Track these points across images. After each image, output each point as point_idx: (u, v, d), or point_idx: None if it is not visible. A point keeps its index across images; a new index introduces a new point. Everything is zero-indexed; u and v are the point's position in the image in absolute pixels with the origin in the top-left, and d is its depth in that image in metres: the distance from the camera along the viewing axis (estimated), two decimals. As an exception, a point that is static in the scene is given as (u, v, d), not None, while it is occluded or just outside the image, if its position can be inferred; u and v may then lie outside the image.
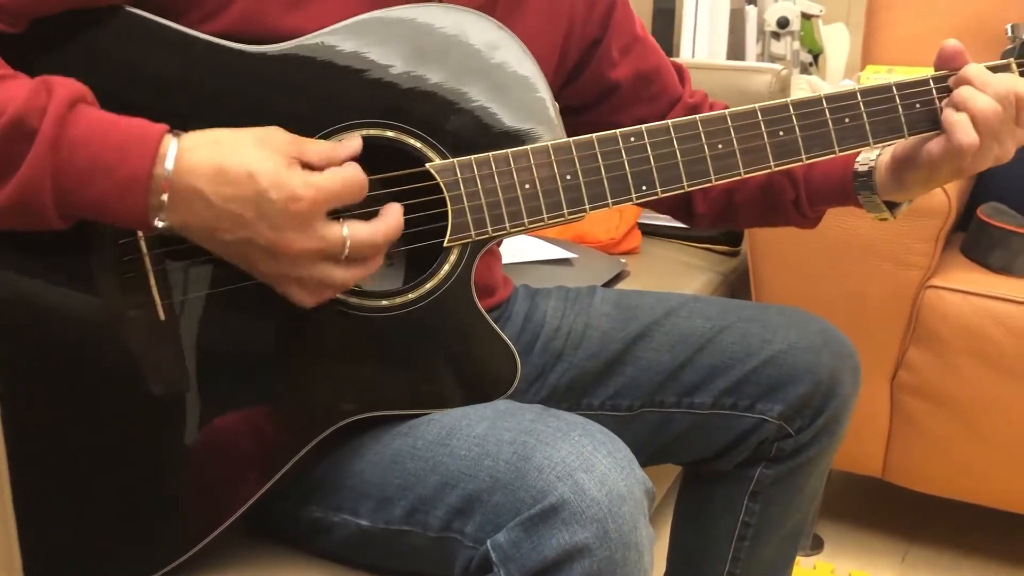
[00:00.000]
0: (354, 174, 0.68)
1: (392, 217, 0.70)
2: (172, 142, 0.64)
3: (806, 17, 2.74)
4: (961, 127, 0.82)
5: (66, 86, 0.64)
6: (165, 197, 0.64)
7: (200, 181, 0.64)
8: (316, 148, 0.69)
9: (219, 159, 0.64)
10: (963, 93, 0.83)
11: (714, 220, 1.02)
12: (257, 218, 0.64)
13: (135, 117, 0.65)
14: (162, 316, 0.70)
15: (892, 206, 0.92)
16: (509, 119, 0.78)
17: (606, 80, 0.96)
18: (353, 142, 0.70)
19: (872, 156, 0.90)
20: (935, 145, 0.84)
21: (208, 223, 0.65)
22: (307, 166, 0.67)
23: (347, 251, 0.67)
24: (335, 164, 0.68)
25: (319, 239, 0.66)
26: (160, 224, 0.65)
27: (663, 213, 1.08)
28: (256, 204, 0.64)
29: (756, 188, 0.96)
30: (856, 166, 0.91)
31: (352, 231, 0.67)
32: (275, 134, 0.68)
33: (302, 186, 0.65)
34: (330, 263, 0.68)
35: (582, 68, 0.96)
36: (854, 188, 0.91)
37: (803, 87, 2.08)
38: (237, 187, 0.64)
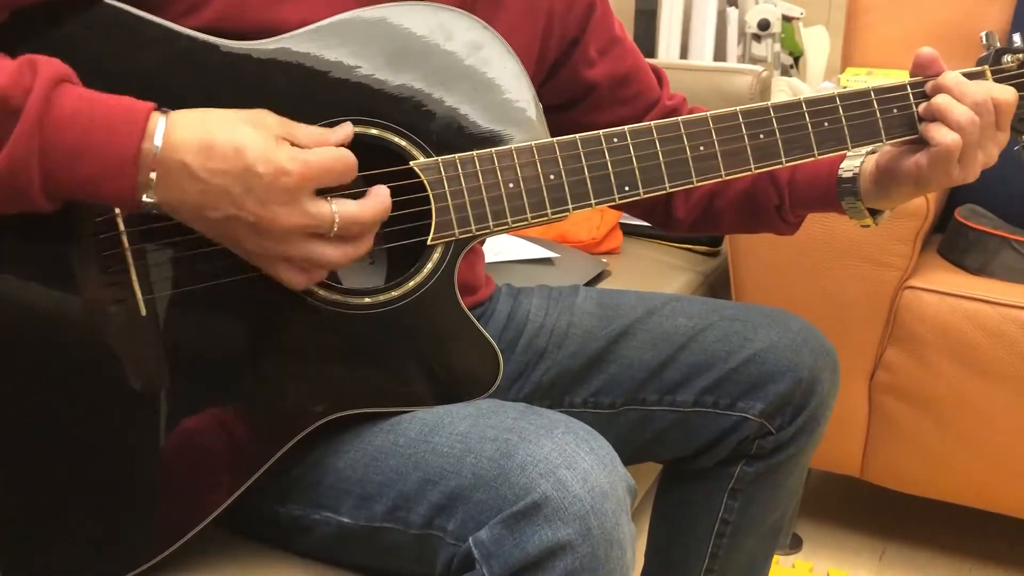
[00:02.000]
0: (343, 153, 0.68)
1: (380, 196, 0.70)
2: (160, 119, 0.64)
3: (787, 19, 2.76)
4: (939, 127, 0.83)
5: (51, 65, 0.63)
6: (154, 175, 0.63)
7: (188, 155, 0.63)
8: (306, 130, 0.69)
9: (207, 134, 0.64)
10: (940, 103, 0.84)
11: (692, 225, 1.02)
12: (244, 193, 0.64)
13: (121, 96, 0.65)
14: (143, 311, 0.70)
15: (874, 213, 0.93)
16: (492, 118, 0.78)
17: (583, 79, 0.97)
18: (344, 128, 0.70)
19: (856, 163, 0.91)
20: (923, 156, 0.85)
21: (196, 199, 0.65)
22: (296, 145, 0.67)
23: (336, 228, 0.67)
24: (323, 143, 0.68)
25: (306, 215, 0.65)
26: (148, 201, 0.64)
27: (641, 218, 1.07)
28: (243, 179, 0.64)
29: (739, 193, 0.97)
30: (840, 172, 0.91)
31: (341, 208, 0.67)
32: (265, 114, 0.67)
33: (289, 160, 0.64)
34: (319, 240, 0.67)
35: (560, 67, 0.96)
36: (838, 194, 0.92)
37: (784, 89, 2.09)
38: (225, 161, 0.64)
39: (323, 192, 0.68)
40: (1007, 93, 0.85)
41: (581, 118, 0.97)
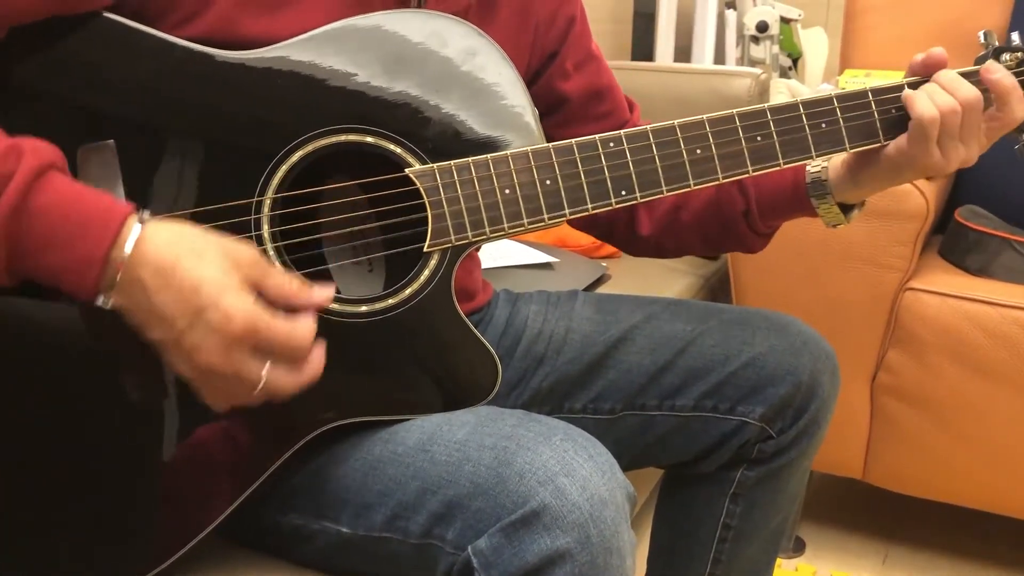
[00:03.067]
0: (301, 333, 0.64)
1: (312, 367, 0.66)
2: (135, 227, 0.62)
3: (785, 21, 2.76)
4: (922, 99, 0.82)
5: (37, 153, 0.62)
6: (118, 278, 0.62)
7: (147, 275, 0.62)
8: (277, 281, 0.66)
9: (173, 260, 0.62)
10: (927, 86, 0.84)
11: (657, 243, 1.00)
12: (187, 328, 0.62)
13: (103, 193, 0.64)
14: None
15: (845, 210, 0.92)
16: (488, 124, 0.78)
17: (557, 92, 0.96)
18: (325, 292, 0.68)
19: (822, 160, 0.90)
20: (903, 137, 0.84)
21: (142, 316, 0.63)
22: (262, 295, 0.65)
23: (256, 392, 0.64)
24: (291, 304, 0.66)
25: (234, 369, 0.63)
26: (104, 303, 0.63)
27: (602, 239, 1.05)
28: (190, 316, 0.62)
29: (706, 202, 0.95)
30: (808, 168, 0.91)
31: (270, 378, 0.64)
32: (243, 251, 0.65)
33: (240, 312, 0.62)
34: (242, 388, 0.65)
35: (536, 78, 0.96)
36: (807, 192, 0.91)
37: (782, 91, 2.09)
38: (179, 294, 0.62)
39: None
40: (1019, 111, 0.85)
41: (551, 131, 0.96)
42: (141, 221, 0.63)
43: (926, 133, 0.83)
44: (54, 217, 0.61)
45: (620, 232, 1.01)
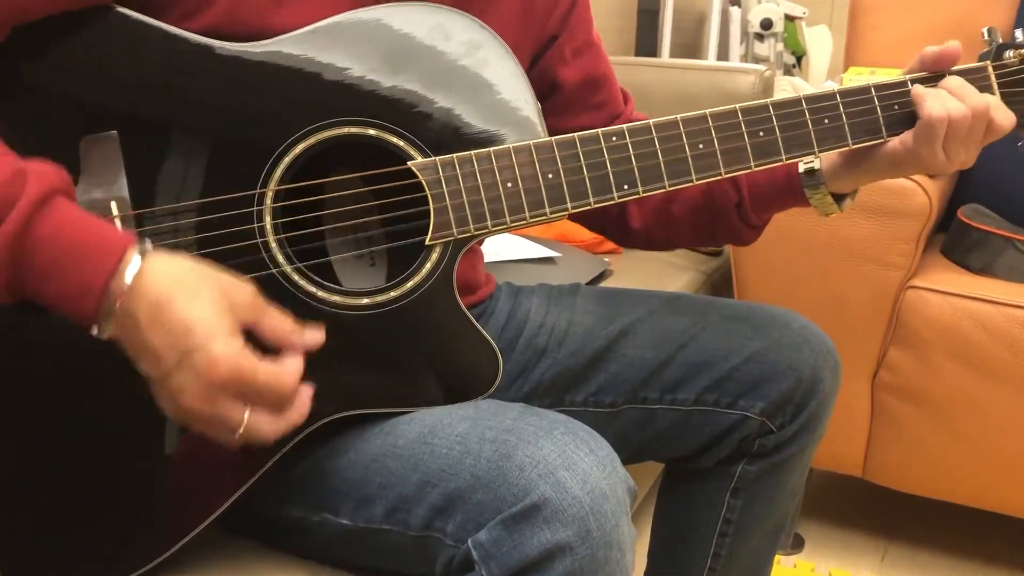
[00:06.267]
0: (282, 378, 0.64)
1: (296, 412, 0.66)
2: (135, 258, 0.62)
3: (789, 19, 2.76)
4: (932, 99, 0.82)
5: (41, 180, 0.62)
6: (116, 307, 0.62)
7: (141, 311, 0.62)
8: (273, 324, 0.66)
9: (168, 296, 0.62)
10: (938, 91, 0.84)
11: (648, 236, 1.00)
12: (174, 368, 0.62)
13: (105, 222, 0.64)
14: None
15: (838, 199, 0.92)
16: (490, 117, 0.78)
17: (554, 77, 0.96)
18: (315, 335, 0.68)
19: None
20: (908, 134, 0.84)
21: (134, 348, 0.63)
22: (256, 336, 0.65)
23: (237, 436, 0.64)
24: (285, 345, 0.66)
25: (216, 412, 0.63)
26: (99, 333, 0.63)
27: (595, 232, 1.05)
28: (179, 357, 0.62)
29: (697, 195, 0.95)
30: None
31: (250, 424, 0.64)
32: (240, 292, 0.65)
33: (225, 359, 0.62)
34: (222, 430, 0.65)
35: (535, 63, 0.95)
36: (800, 182, 0.90)
37: (786, 88, 2.09)
38: (169, 335, 0.62)
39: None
40: (1005, 120, 0.84)
41: (547, 120, 0.96)
42: (141, 253, 0.63)
43: (934, 133, 0.82)
44: (56, 246, 0.61)
45: (611, 224, 1.01)
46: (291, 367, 0.65)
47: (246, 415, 0.64)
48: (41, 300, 0.63)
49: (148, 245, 0.64)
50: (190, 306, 0.62)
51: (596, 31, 1.00)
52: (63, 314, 0.63)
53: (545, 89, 0.96)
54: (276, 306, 0.67)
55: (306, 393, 0.66)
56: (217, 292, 0.64)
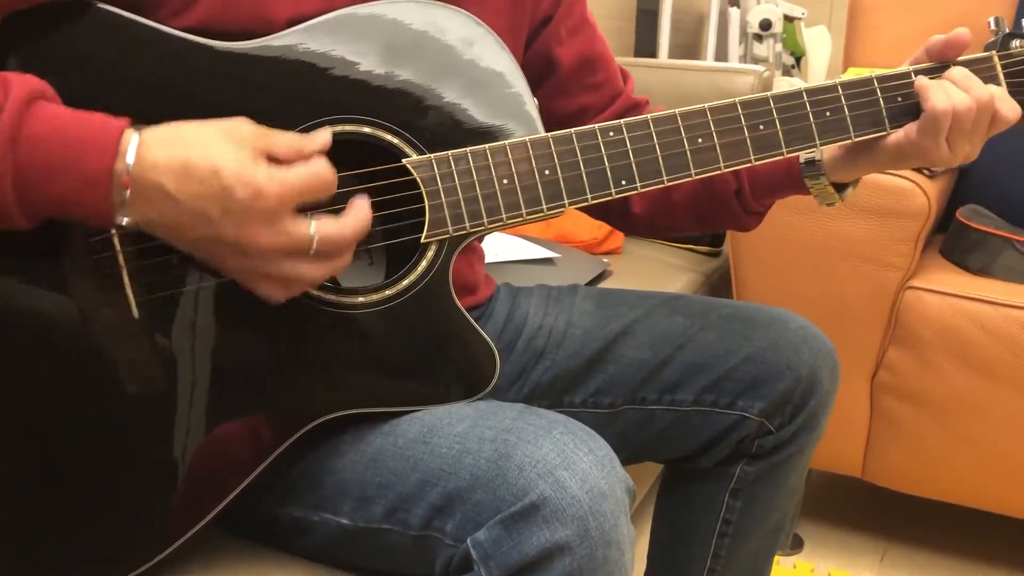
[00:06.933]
0: (321, 169, 0.67)
1: (361, 211, 0.69)
2: (133, 137, 0.63)
3: (788, 19, 2.76)
4: (937, 92, 0.82)
5: (23, 83, 0.62)
6: (128, 193, 0.62)
7: (164, 177, 0.63)
8: (284, 140, 0.67)
9: (183, 154, 0.63)
10: (943, 82, 0.83)
11: (650, 222, 1.00)
12: (222, 215, 0.63)
13: (96, 112, 0.64)
14: (136, 314, 0.69)
15: (839, 188, 0.92)
16: (486, 114, 0.78)
17: (550, 57, 0.95)
18: (322, 135, 0.69)
19: None
20: (911, 126, 0.84)
21: (173, 220, 0.64)
22: (274, 159, 0.66)
23: (315, 247, 0.66)
24: (303, 157, 0.67)
25: (285, 235, 0.65)
26: (124, 221, 0.63)
27: (599, 219, 1.05)
28: (221, 201, 0.63)
29: (696, 183, 0.94)
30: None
31: (320, 228, 0.66)
32: (242, 126, 0.66)
33: (267, 182, 0.64)
34: (299, 259, 0.67)
35: (530, 44, 0.95)
36: (801, 172, 0.90)
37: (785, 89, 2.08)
38: (202, 184, 0.63)
39: (305, 208, 0.67)
40: (1011, 111, 0.84)
41: (545, 103, 0.96)
42: (138, 130, 0.63)
43: (938, 126, 0.82)
44: (52, 142, 0.61)
45: (614, 211, 1.01)
46: (317, 160, 0.67)
47: (312, 226, 0.65)
48: (54, 209, 0.63)
49: (141, 125, 0.64)
50: (207, 151, 0.63)
51: (589, 11, 0.99)
52: (79, 216, 0.63)
53: (542, 69, 0.96)
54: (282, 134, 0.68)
55: (363, 198, 0.69)
56: (222, 133, 0.64)
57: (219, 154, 0.63)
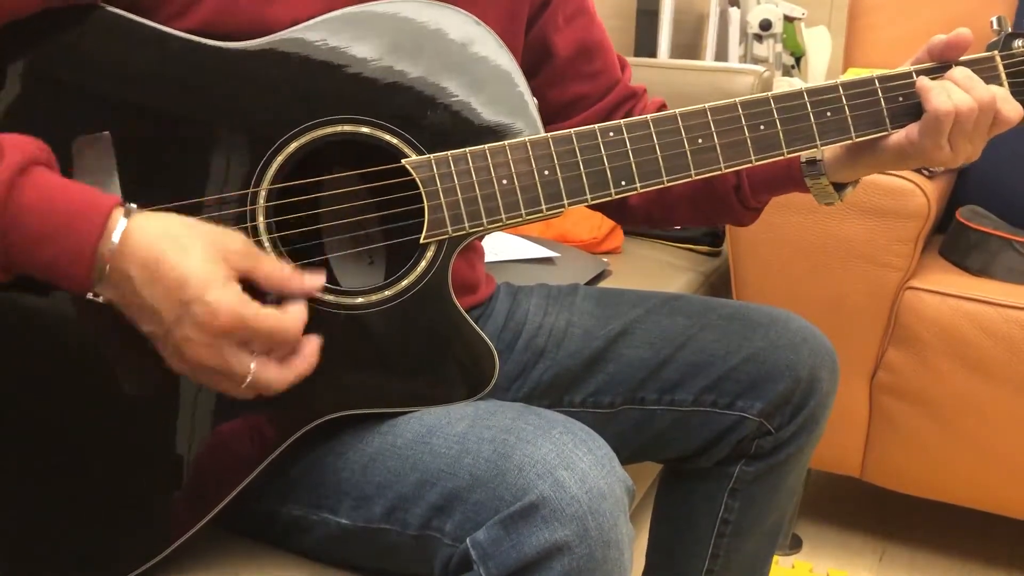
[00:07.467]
0: (291, 324, 0.65)
1: (304, 362, 0.67)
2: (121, 220, 0.62)
3: (788, 20, 2.76)
4: (939, 93, 0.81)
5: (19, 149, 0.62)
6: (107, 269, 0.62)
7: (134, 269, 0.62)
8: (268, 268, 0.66)
9: (159, 252, 0.62)
10: (944, 83, 0.83)
11: (648, 214, 1.00)
12: (174, 322, 0.63)
13: (87, 186, 0.64)
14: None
15: (838, 188, 0.91)
16: (486, 114, 0.78)
17: (547, 43, 0.95)
18: (316, 279, 0.68)
19: None
20: (913, 127, 0.83)
21: (133, 308, 0.64)
22: (254, 285, 0.65)
23: (247, 384, 0.65)
24: (283, 292, 0.66)
25: (222, 362, 0.64)
26: (100, 298, 0.63)
27: (600, 211, 1.05)
28: (176, 310, 0.62)
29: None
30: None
31: (259, 371, 0.64)
32: (232, 241, 0.65)
33: (226, 306, 0.62)
34: (229, 383, 0.65)
35: (528, 30, 0.94)
36: (802, 171, 0.90)
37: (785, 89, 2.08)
38: (166, 290, 0.62)
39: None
40: (1013, 112, 0.83)
41: (542, 92, 0.95)
42: (127, 213, 0.63)
43: (940, 127, 0.82)
44: (41, 212, 0.61)
45: (612, 205, 1.01)
46: (293, 312, 0.65)
47: (252, 364, 0.64)
48: (35, 271, 0.63)
49: (132, 206, 0.64)
50: (182, 259, 0.62)
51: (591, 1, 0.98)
52: (58, 283, 0.63)
53: (539, 56, 0.95)
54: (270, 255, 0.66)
55: (313, 342, 0.66)
56: (207, 242, 0.63)
57: (192, 266, 0.62)
